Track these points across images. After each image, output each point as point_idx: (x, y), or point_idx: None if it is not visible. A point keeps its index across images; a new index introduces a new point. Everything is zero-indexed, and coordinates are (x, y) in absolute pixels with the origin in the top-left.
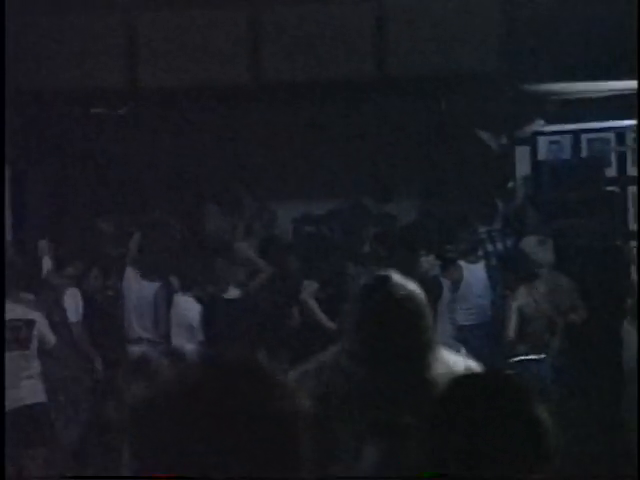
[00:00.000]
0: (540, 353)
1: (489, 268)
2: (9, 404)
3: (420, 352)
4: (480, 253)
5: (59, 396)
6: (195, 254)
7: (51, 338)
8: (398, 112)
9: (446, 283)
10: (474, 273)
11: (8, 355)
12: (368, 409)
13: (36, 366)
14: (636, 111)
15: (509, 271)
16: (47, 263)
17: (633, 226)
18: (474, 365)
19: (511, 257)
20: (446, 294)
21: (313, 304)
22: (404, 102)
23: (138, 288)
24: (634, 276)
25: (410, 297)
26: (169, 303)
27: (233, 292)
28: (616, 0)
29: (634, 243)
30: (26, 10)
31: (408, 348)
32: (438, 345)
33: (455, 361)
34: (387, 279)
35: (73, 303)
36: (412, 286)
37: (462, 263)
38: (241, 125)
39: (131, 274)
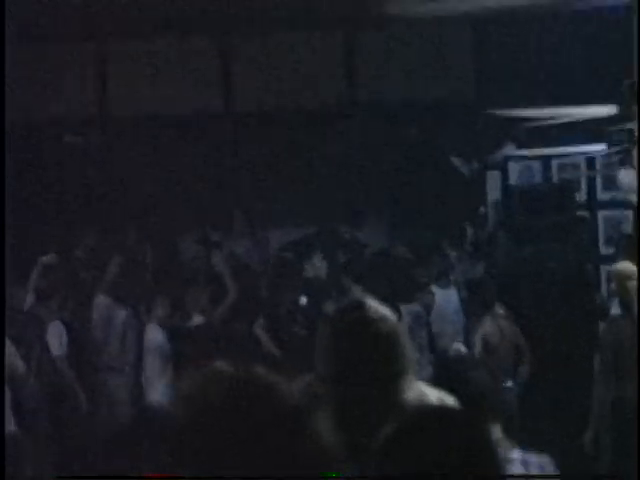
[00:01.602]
0: (506, 381)
1: (460, 293)
2: None
3: (393, 378)
4: (451, 278)
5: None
6: (167, 282)
7: (19, 365)
8: (369, 138)
9: (419, 308)
10: (446, 298)
11: None
12: (337, 433)
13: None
14: (607, 135)
15: (475, 298)
16: (30, 295)
17: (604, 250)
18: (446, 398)
19: (478, 283)
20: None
21: (264, 336)
22: (375, 129)
23: (107, 315)
24: (604, 300)
25: (384, 322)
26: (138, 331)
27: (197, 319)
28: (587, 27)
29: (605, 267)
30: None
31: (380, 373)
32: (412, 373)
33: (427, 392)
34: (361, 304)
35: (57, 337)
36: (386, 311)
37: (434, 288)
38: (215, 152)
39: (102, 300)
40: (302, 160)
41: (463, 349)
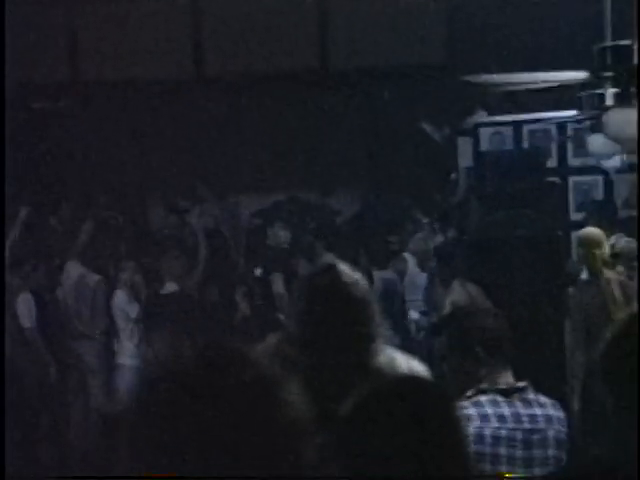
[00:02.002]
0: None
1: (431, 260)
2: None
3: (363, 342)
4: (424, 244)
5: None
6: (138, 249)
7: None
8: (341, 104)
9: (392, 275)
10: (418, 265)
11: None
12: (308, 398)
13: None
14: (579, 101)
15: (445, 264)
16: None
17: (574, 216)
18: (416, 365)
19: (448, 249)
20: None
21: (242, 303)
22: (347, 95)
23: (78, 282)
24: (574, 266)
25: (354, 286)
26: (108, 298)
27: (170, 286)
28: None
29: (575, 234)
30: None
31: (350, 336)
32: (382, 337)
33: (397, 357)
34: (332, 267)
35: (26, 309)
36: (357, 276)
37: (406, 255)
38: (184, 118)
39: (72, 267)
40: (272, 126)
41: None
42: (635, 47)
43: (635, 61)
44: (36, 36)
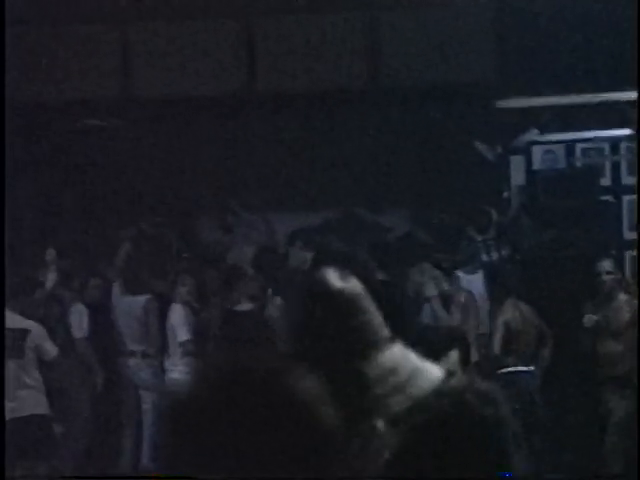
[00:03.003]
0: (529, 365)
1: (486, 279)
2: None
3: (362, 345)
4: (477, 264)
5: (62, 408)
6: (189, 266)
7: (52, 350)
8: (394, 122)
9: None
10: (472, 284)
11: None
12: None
13: (36, 377)
14: (632, 120)
15: (498, 283)
16: (52, 275)
17: (627, 235)
18: (429, 365)
19: (501, 269)
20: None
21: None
22: (399, 112)
23: (126, 300)
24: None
25: (341, 294)
26: (161, 315)
27: (246, 305)
28: (612, 11)
29: (629, 253)
30: (22, 20)
31: (341, 347)
32: (386, 339)
33: (410, 355)
34: (319, 278)
35: (78, 319)
36: (345, 284)
37: (460, 274)
38: (236, 136)
39: (117, 287)
40: (325, 144)
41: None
42: None
43: None
44: (88, 52)
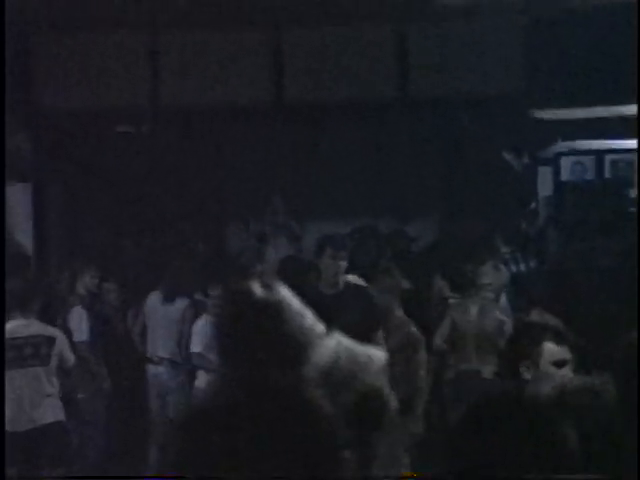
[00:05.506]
0: None
1: (512, 290)
2: (30, 423)
3: (295, 353)
4: (503, 275)
5: (76, 415)
6: (221, 274)
7: (71, 357)
8: (423, 132)
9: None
10: (498, 295)
11: (28, 371)
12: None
13: (56, 384)
14: None
15: (524, 294)
16: (84, 282)
17: None
18: (373, 350)
19: (528, 280)
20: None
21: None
22: (426, 123)
23: (162, 308)
24: None
25: (266, 303)
26: (191, 324)
27: None
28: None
29: None
30: (50, 27)
31: (276, 352)
32: (318, 335)
33: (347, 342)
34: (242, 291)
35: (77, 323)
36: (268, 292)
37: (483, 284)
38: (264, 144)
39: (155, 295)
40: (351, 154)
41: None
42: None
43: None
44: (120, 60)
